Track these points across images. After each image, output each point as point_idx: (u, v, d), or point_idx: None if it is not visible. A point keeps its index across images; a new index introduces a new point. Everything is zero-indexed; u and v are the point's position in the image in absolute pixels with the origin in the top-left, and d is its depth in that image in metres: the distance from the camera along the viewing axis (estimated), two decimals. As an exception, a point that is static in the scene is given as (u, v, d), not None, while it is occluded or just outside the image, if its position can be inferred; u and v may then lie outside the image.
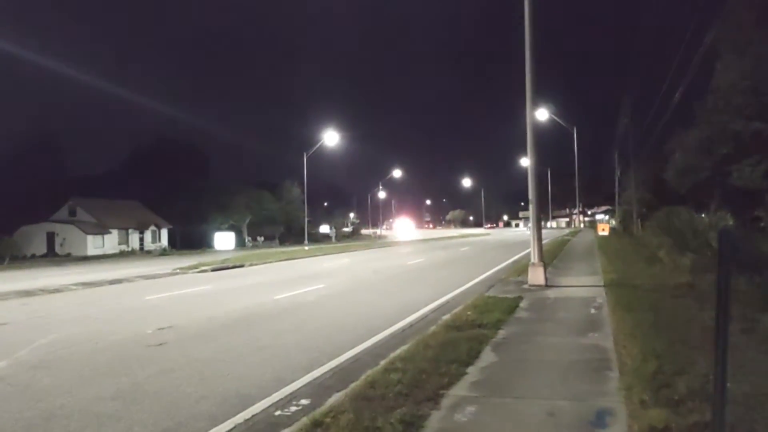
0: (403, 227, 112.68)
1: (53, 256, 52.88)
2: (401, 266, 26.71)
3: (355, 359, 8.15)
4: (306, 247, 49.89)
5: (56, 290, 19.38)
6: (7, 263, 42.79)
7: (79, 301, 16.88)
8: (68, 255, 52.55)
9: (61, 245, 55.51)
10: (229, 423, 5.63)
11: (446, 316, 10.68)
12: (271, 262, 32.12)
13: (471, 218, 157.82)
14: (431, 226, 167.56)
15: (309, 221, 64.24)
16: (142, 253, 57.73)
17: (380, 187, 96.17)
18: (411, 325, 10.62)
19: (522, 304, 11.84)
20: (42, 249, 54.61)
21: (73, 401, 6.56)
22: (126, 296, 17.63)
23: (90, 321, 12.62)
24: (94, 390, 6.98)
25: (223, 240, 63.30)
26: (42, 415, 6.12)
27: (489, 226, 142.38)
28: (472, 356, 7.37)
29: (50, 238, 56.15)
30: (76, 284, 20.83)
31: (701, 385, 5.36)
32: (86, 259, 48.02)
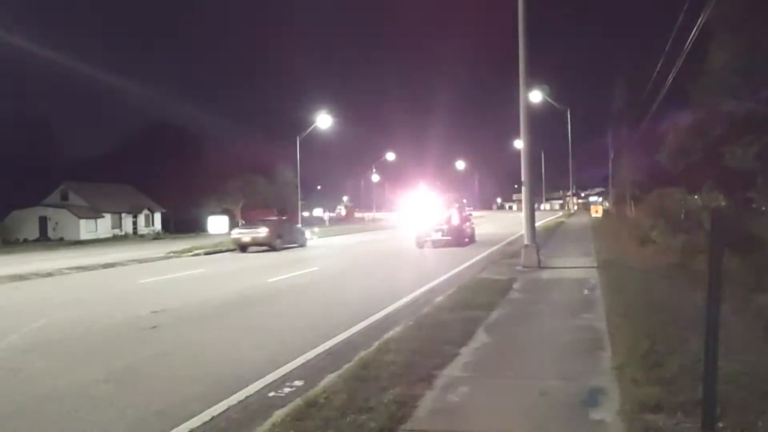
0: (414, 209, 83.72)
1: (46, 240, 52.69)
2: (394, 249, 26.74)
3: (348, 341, 8.17)
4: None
5: (49, 274, 19.31)
6: (-1, 248, 42.62)
7: (71, 284, 16.84)
8: (61, 239, 52.36)
9: (54, 229, 55.30)
10: (223, 404, 5.64)
11: (439, 298, 10.70)
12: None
13: (465, 201, 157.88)
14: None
15: (302, 204, 64.10)
16: (136, 237, 57.60)
17: (374, 170, 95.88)
18: (404, 307, 10.64)
19: (515, 286, 11.87)
20: (34, 233, 54.39)
21: (65, 384, 6.55)
22: (119, 280, 17.60)
23: (83, 304, 12.59)
24: (87, 373, 6.96)
25: (217, 224, 63.11)
26: (35, 398, 6.11)
27: (495, 207, 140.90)
28: (466, 337, 7.38)
29: (42, 222, 55.91)
30: (69, 268, 20.75)
31: (693, 364, 5.38)
32: (79, 243, 47.85)
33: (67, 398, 6.08)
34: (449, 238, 25.42)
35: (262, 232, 27.47)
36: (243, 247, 27.86)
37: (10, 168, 56.68)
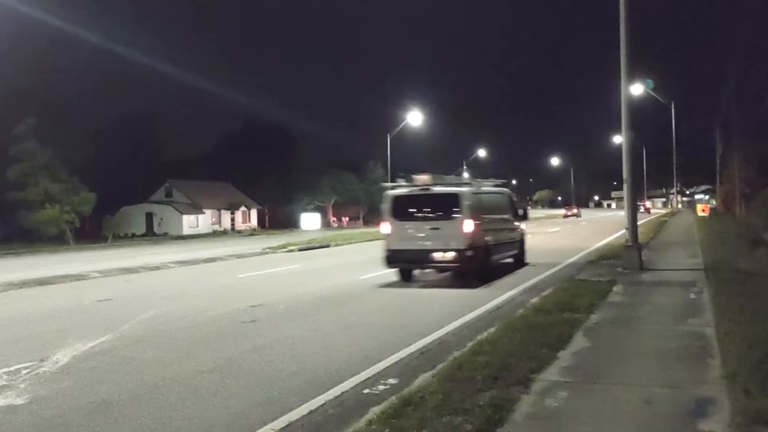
0: None
1: (152, 235, 55.84)
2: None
3: (441, 340, 8.12)
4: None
5: (155, 268, 20.39)
6: (110, 242, 45.57)
7: (176, 278, 17.72)
8: (165, 234, 55.30)
9: (159, 225, 58.54)
10: (320, 399, 5.75)
11: (535, 299, 10.46)
12: (355, 242, 32.53)
13: (559, 198, 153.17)
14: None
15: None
16: (233, 232, 60.01)
17: (464, 167, 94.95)
18: (498, 308, 10.48)
19: (615, 288, 11.41)
20: (141, 228, 57.76)
21: (173, 374, 6.91)
22: (220, 274, 18.35)
23: (187, 297, 13.22)
24: (193, 364, 7.32)
25: (309, 220, 64.68)
26: (145, 386, 6.47)
27: (592, 205, 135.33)
28: (563, 341, 7.15)
29: (149, 218, 59.32)
30: (173, 262, 21.81)
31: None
32: (182, 238, 50.37)
33: (175, 387, 6.41)
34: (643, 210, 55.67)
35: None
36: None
37: (120, 167, 60.44)
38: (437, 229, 13.42)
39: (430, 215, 13.79)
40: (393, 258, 14.09)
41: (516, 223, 17.11)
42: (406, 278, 14.58)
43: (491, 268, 14.42)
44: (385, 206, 14.28)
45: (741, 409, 4.65)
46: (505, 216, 16.19)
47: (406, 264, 14.26)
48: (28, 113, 43.20)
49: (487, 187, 16.01)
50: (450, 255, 13.21)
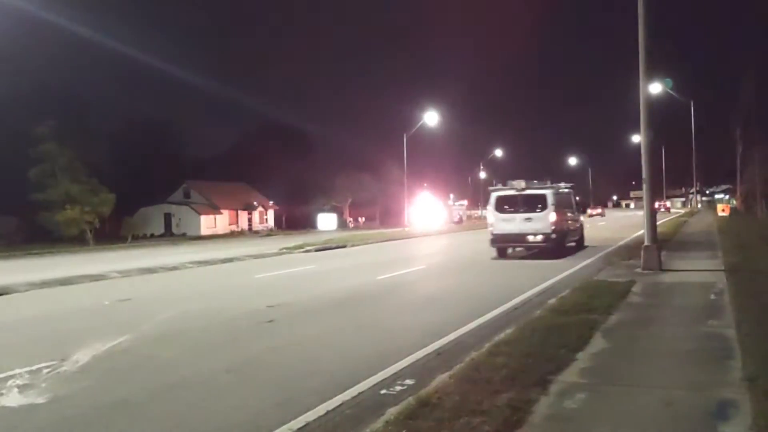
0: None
1: (170, 235, 56.37)
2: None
3: (458, 341, 8.09)
4: (406, 228, 50.13)
5: (174, 268, 20.55)
6: (129, 242, 46.02)
7: (194, 278, 17.85)
8: (183, 234, 55.80)
9: (177, 225, 59.08)
10: (337, 399, 5.75)
11: (552, 300, 10.37)
12: (372, 242, 32.56)
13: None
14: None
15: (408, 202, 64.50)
16: (251, 233, 60.42)
17: (481, 167, 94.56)
18: (515, 308, 10.41)
19: (634, 289, 11.29)
20: (160, 229, 58.33)
21: (191, 373, 6.95)
22: (237, 275, 18.47)
23: (205, 298, 13.32)
24: (211, 363, 7.36)
25: (326, 221, 64.96)
26: (166, 385, 6.52)
27: (611, 205, 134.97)
28: (582, 342, 7.09)
29: (167, 218, 59.90)
30: (191, 263, 21.93)
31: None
32: (200, 238, 50.79)
33: (194, 387, 6.45)
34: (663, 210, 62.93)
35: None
36: None
37: (139, 167, 61.04)
38: (530, 219, 18.62)
39: (524, 209, 18.83)
40: (497, 239, 19.39)
41: (579, 215, 22.79)
42: (502, 254, 19.74)
43: (565, 248, 19.51)
44: (491, 203, 19.59)
45: (763, 412, 4.59)
46: (573, 210, 21.61)
47: (506, 243, 19.57)
48: (47, 114, 43.72)
49: (562, 189, 20.81)
50: (540, 238, 18.52)
